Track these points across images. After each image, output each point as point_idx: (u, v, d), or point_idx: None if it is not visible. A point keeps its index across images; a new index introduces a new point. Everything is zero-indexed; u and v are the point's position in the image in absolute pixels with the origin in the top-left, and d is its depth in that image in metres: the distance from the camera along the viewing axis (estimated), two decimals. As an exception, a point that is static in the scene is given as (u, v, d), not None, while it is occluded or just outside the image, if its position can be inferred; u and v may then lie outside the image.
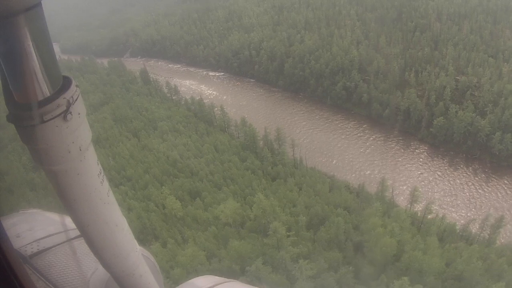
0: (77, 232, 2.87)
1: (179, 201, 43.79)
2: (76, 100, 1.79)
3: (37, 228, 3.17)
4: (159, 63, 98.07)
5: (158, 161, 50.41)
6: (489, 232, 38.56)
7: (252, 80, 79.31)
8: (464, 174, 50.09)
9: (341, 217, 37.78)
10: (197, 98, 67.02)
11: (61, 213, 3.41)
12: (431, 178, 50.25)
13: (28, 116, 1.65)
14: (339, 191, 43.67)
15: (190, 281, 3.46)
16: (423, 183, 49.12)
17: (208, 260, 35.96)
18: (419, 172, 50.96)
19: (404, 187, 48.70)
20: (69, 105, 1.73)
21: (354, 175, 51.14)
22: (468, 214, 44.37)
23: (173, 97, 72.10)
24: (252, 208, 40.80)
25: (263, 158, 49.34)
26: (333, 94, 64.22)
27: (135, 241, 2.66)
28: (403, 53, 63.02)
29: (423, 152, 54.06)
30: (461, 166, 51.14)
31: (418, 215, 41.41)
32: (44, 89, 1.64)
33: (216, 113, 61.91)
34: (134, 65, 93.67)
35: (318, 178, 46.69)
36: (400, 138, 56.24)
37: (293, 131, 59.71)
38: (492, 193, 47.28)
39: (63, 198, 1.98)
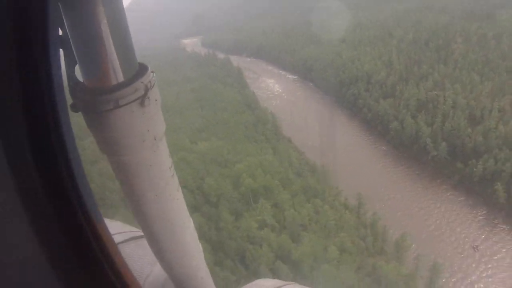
0: (125, 236, 3.14)
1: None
2: (153, 85, 1.72)
3: None
4: (259, 63, 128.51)
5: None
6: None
7: (311, 83, 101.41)
8: (401, 173, 62.29)
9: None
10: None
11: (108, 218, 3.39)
12: (377, 167, 64.28)
13: (101, 101, 1.57)
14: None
15: (248, 285, 3.28)
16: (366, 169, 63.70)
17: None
18: (368, 162, 65.23)
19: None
20: (147, 89, 1.66)
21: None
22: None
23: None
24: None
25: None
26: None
27: (199, 243, 2.57)
28: (406, 69, 75.09)
29: (382, 149, 67.63)
30: (403, 165, 63.19)
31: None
32: (118, 74, 1.60)
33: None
34: (243, 62, 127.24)
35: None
36: (371, 137, 70.82)
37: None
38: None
39: (131, 191, 1.89)
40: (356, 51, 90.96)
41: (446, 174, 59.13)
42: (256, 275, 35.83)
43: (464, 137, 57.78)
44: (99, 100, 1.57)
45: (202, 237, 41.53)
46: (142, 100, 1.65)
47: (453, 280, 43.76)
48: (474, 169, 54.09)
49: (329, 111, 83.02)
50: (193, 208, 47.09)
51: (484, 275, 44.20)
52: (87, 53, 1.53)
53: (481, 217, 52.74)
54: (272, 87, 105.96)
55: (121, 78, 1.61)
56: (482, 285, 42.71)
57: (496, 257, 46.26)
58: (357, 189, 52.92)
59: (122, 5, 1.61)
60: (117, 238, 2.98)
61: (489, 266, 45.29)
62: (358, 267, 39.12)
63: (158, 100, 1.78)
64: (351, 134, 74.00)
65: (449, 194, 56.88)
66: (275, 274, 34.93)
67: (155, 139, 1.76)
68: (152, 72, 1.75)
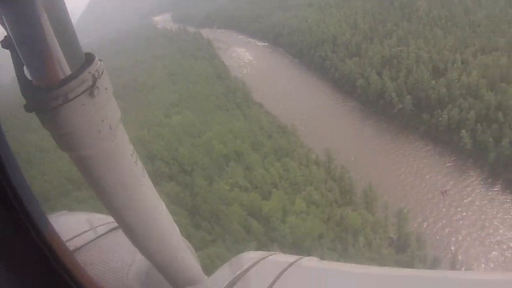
0: (106, 228, 3.09)
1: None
2: (101, 74, 1.70)
3: (64, 229, 2.94)
4: (230, 33, 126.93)
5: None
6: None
7: (280, 49, 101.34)
8: (369, 127, 64.48)
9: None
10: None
11: (87, 211, 3.61)
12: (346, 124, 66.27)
13: (50, 98, 1.53)
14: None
15: (234, 259, 3.24)
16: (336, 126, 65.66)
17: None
18: (337, 120, 67.03)
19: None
20: (95, 79, 1.64)
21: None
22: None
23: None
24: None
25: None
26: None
27: (175, 224, 2.56)
28: (370, 28, 75.99)
29: (350, 105, 69.59)
30: (370, 120, 65.29)
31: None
32: (65, 67, 1.55)
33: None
34: (214, 34, 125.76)
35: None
36: (340, 95, 72.50)
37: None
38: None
39: (96, 184, 1.86)
40: (323, 14, 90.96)
41: (412, 126, 61.29)
42: (229, 233, 37.76)
43: (428, 90, 59.71)
44: (48, 97, 1.54)
45: (179, 203, 43.17)
46: (91, 91, 1.63)
47: (425, 224, 46.43)
48: (440, 119, 56.31)
49: (298, 74, 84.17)
50: (169, 178, 48.41)
51: (455, 218, 46.85)
52: (30, 51, 1.49)
53: (449, 164, 55.15)
54: (243, 55, 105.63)
55: (68, 71, 1.58)
56: (453, 228, 45.45)
57: (465, 201, 48.81)
58: (327, 145, 54.90)
59: None
60: (97, 231, 3.08)
61: (459, 209, 47.77)
62: (328, 218, 41.36)
63: (109, 88, 1.77)
64: (320, 94, 75.43)
65: (416, 144, 59.25)
66: (246, 229, 36.81)
67: (110, 128, 1.74)
68: (100, 60, 1.74)
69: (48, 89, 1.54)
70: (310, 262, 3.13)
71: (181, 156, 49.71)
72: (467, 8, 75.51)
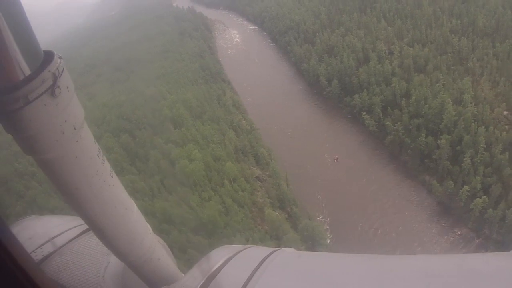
0: (78, 231, 3.02)
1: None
2: (62, 72, 1.62)
3: (37, 235, 3.00)
4: (232, 15, 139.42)
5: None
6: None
7: (265, 33, 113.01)
8: (307, 105, 76.57)
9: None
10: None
11: (59, 214, 3.71)
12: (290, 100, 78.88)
13: (10, 100, 1.46)
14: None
15: (209, 254, 3.20)
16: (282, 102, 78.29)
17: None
18: (285, 96, 79.51)
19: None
20: (55, 78, 1.56)
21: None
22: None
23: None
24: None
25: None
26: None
27: (147, 223, 2.54)
28: (329, 18, 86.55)
29: (300, 87, 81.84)
30: (309, 100, 77.30)
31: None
32: (24, 67, 1.49)
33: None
34: (217, 15, 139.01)
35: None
36: (294, 77, 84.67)
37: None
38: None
39: (63, 187, 1.80)
40: (298, 2, 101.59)
41: (340, 107, 73.11)
42: (149, 168, 53.27)
43: (352, 76, 70.82)
44: (8, 100, 1.49)
45: (128, 150, 58.88)
46: (52, 91, 1.57)
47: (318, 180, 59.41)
48: (351, 102, 67.79)
49: (270, 57, 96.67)
50: (127, 132, 64.27)
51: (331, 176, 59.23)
52: None
53: (360, 141, 66.73)
54: (234, 37, 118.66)
55: (27, 71, 1.53)
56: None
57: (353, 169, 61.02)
58: (268, 118, 68.62)
59: None
60: (69, 234, 3.12)
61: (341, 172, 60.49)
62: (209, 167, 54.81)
63: (71, 87, 1.71)
64: (281, 76, 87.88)
65: (338, 123, 71.20)
66: (158, 166, 52.26)
67: (75, 129, 1.70)
68: (60, 58, 1.68)
69: (7, 91, 1.49)
70: (285, 253, 3.17)
71: (137, 117, 65.38)
72: (420, 2, 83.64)
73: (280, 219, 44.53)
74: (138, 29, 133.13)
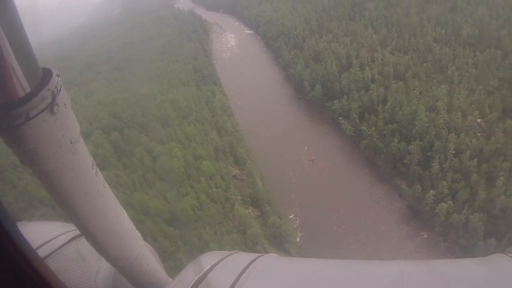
0: (68, 237, 3.11)
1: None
2: (60, 90, 1.73)
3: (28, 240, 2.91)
4: (230, 19, 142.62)
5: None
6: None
7: (259, 37, 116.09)
8: (292, 109, 79.54)
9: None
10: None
11: (48, 220, 3.85)
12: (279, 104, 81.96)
13: (11, 116, 1.55)
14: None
15: (196, 259, 3.31)
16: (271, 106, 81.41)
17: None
18: (274, 101, 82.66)
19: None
20: (54, 96, 1.67)
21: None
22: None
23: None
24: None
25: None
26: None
27: (137, 231, 2.70)
28: (319, 25, 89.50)
29: (288, 91, 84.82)
30: (295, 104, 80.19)
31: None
32: (24, 84, 1.56)
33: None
34: (216, 18, 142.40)
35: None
36: (283, 82, 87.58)
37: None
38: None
39: (59, 197, 1.93)
40: (292, 8, 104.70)
41: (322, 112, 75.95)
42: (133, 164, 56.64)
43: (334, 81, 73.70)
44: (9, 115, 1.59)
45: (117, 148, 62.30)
46: (51, 108, 1.69)
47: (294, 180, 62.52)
48: (332, 107, 70.64)
49: (262, 61, 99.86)
50: (117, 130, 67.69)
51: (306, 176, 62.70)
52: None
53: (339, 145, 69.52)
54: (229, 41, 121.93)
55: (27, 88, 1.62)
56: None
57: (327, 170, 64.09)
58: (255, 120, 71.78)
59: (17, 13, 1.56)
60: (59, 240, 3.21)
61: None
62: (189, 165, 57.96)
63: (68, 103, 1.84)
64: (272, 81, 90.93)
65: (319, 127, 74.01)
66: (142, 162, 55.65)
67: (71, 142, 1.83)
68: (57, 75, 1.78)
69: (9, 107, 1.57)
70: (269, 259, 3.31)
71: (128, 115, 68.84)
72: (408, 11, 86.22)
73: (247, 214, 47.63)
74: (139, 30, 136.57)
